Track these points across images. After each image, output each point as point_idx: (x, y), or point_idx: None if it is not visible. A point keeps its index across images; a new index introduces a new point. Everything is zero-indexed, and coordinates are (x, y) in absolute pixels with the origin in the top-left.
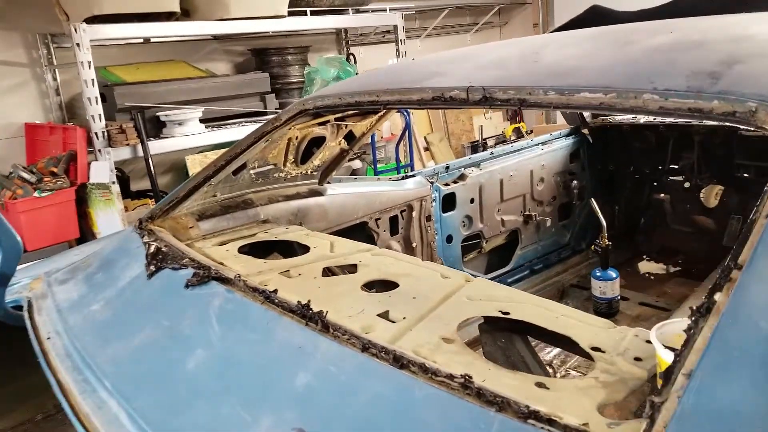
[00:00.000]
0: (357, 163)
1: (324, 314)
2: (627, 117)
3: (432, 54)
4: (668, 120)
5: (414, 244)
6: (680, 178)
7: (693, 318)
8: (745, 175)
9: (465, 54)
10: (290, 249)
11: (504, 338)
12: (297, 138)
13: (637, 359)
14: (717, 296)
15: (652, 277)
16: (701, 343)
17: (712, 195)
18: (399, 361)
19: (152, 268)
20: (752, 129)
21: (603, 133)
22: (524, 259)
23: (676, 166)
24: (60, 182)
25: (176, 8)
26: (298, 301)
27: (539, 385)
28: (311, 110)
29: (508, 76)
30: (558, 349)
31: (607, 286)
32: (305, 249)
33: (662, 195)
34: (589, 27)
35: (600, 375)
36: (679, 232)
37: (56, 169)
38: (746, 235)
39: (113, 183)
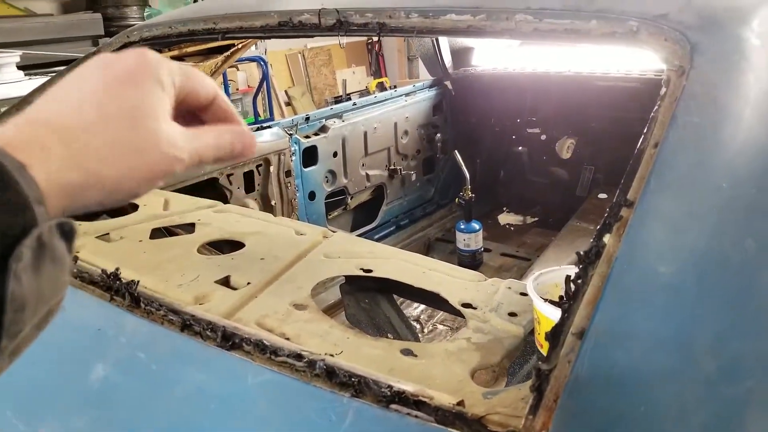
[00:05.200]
0: None
1: (134, 285)
2: (487, 67)
3: None
4: (527, 70)
5: (273, 202)
6: (537, 130)
7: (581, 265)
8: (597, 126)
9: None
10: (122, 210)
11: (368, 299)
12: None
13: (512, 314)
14: (606, 238)
15: (512, 228)
16: (592, 295)
17: (564, 147)
18: (229, 340)
19: None
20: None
21: (465, 85)
22: (390, 215)
23: (534, 119)
24: None
25: None
26: (102, 270)
27: (405, 352)
28: (137, 43)
29: None
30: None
31: (471, 238)
32: (135, 208)
33: (520, 147)
34: None
35: (472, 335)
36: (536, 184)
37: None
38: (634, 167)
39: None
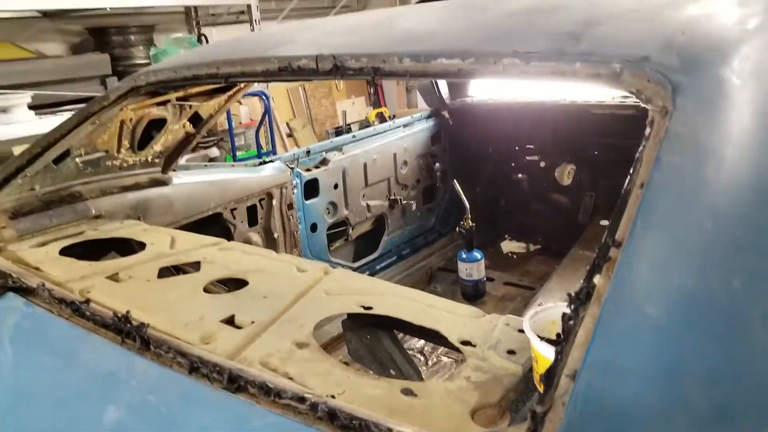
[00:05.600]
0: (214, 151)
1: (144, 328)
2: (483, 97)
3: (282, 24)
4: (523, 100)
5: (276, 235)
6: (536, 157)
7: (572, 306)
8: (595, 152)
9: (316, 23)
10: (130, 248)
11: (369, 335)
12: (132, 120)
13: (511, 352)
14: (596, 279)
15: (515, 256)
16: (583, 336)
17: (565, 173)
18: (235, 383)
19: None
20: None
21: (462, 115)
22: (392, 245)
23: (531, 146)
24: None
25: None
26: (114, 313)
27: (406, 392)
28: (144, 87)
29: (361, 43)
30: None
31: (473, 267)
32: (143, 247)
33: (520, 175)
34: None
35: (472, 374)
36: (537, 211)
37: None
38: (621, 208)
39: None
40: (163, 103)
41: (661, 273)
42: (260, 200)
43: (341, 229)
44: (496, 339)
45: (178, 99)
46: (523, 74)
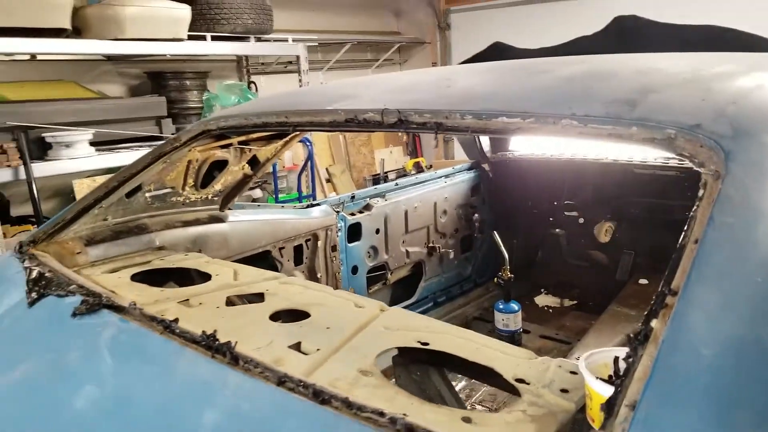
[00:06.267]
0: (258, 192)
1: (233, 345)
2: (524, 152)
3: (343, 79)
4: (565, 156)
5: (319, 275)
6: (575, 213)
7: (632, 346)
8: (636, 211)
9: (377, 79)
10: (187, 278)
11: (419, 371)
12: (197, 160)
13: (564, 391)
14: (654, 323)
15: (551, 310)
16: (642, 372)
17: (602, 231)
18: (319, 396)
19: (34, 295)
20: (677, 159)
21: (502, 168)
22: (428, 291)
23: (571, 202)
24: None
25: (66, 25)
26: (203, 331)
27: (466, 420)
28: (214, 131)
29: (422, 100)
30: (464, 382)
31: (510, 318)
32: (205, 277)
33: (558, 230)
34: (492, 61)
35: (528, 408)
36: (574, 266)
37: None
38: (677, 261)
39: None
40: (226, 146)
41: (715, 319)
42: (306, 241)
43: (380, 273)
44: (550, 379)
45: (239, 143)
46: (580, 135)
